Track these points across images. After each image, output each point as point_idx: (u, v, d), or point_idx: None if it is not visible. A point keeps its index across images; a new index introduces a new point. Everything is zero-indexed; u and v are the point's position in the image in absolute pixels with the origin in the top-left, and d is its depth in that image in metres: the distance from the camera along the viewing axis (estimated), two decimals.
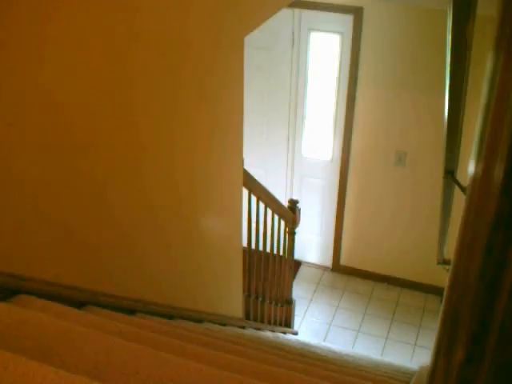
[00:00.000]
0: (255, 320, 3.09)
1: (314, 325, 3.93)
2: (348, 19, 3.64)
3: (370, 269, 4.32)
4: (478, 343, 0.52)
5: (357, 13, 3.58)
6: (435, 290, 4.06)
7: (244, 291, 2.89)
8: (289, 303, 3.51)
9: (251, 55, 3.67)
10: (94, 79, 1.30)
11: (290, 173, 4.41)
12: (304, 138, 4.23)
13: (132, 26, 1.38)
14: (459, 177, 2.05)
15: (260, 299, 3.17)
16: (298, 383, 1.25)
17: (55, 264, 1.31)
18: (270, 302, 3.32)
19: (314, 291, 4.23)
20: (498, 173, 0.45)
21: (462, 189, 1.88)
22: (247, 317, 2.96)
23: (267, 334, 3.04)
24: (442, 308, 0.63)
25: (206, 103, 1.89)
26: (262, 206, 2.85)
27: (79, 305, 1.36)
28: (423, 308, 4.10)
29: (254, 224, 2.82)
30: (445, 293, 0.62)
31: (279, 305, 3.44)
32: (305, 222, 3.93)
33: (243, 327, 2.69)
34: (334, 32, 3.81)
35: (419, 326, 3.95)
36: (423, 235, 3.95)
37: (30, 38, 1.08)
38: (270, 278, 3.24)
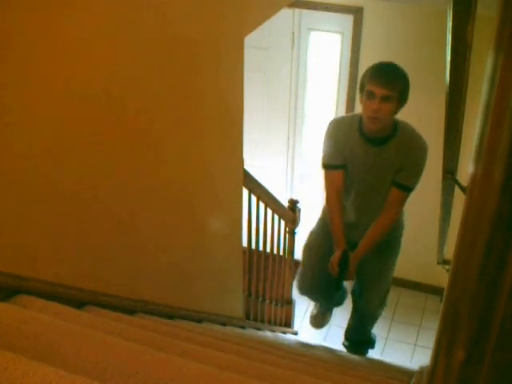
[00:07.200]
0: (255, 320, 3.09)
1: None
2: (348, 19, 3.64)
3: None
4: (478, 343, 0.52)
5: (357, 13, 3.58)
6: (435, 290, 4.05)
7: (244, 291, 2.88)
8: (289, 303, 3.51)
9: (251, 55, 3.67)
10: (88, 79, 1.30)
11: (289, 173, 4.41)
12: (304, 138, 4.23)
13: (131, 25, 1.38)
14: (459, 177, 2.05)
15: (260, 299, 3.17)
16: (298, 383, 1.25)
17: (55, 264, 1.31)
18: (270, 302, 3.32)
19: None
20: (498, 173, 0.45)
21: (462, 189, 1.88)
22: (247, 317, 2.96)
23: (267, 334, 3.04)
24: (441, 308, 0.63)
25: (205, 103, 1.89)
26: (262, 205, 2.85)
27: (79, 305, 1.36)
28: (423, 308, 4.10)
29: (254, 224, 2.82)
30: (445, 293, 0.62)
31: (279, 305, 3.44)
32: (305, 222, 3.93)
33: (243, 327, 2.69)
34: (334, 32, 3.81)
35: (419, 325, 3.94)
36: (423, 235, 3.94)
37: (32, 36, 1.08)
38: (270, 278, 3.24)
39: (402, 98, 2.18)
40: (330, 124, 2.44)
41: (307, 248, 2.82)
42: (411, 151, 2.28)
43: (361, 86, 2.23)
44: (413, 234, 4.03)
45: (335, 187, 2.48)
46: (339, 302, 3.21)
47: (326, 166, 2.48)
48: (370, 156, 2.32)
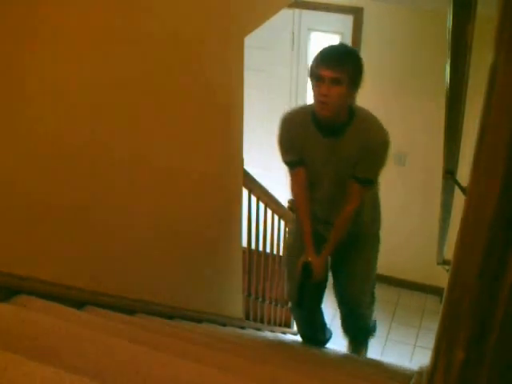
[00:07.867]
0: (255, 320, 3.09)
1: None
2: (348, 19, 3.64)
3: None
4: (478, 343, 0.52)
5: (357, 13, 3.59)
6: (435, 290, 4.05)
7: (244, 291, 2.88)
8: (289, 303, 3.51)
9: (251, 55, 3.67)
10: (89, 79, 1.29)
11: None
12: None
13: (131, 25, 1.38)
14: (459, 177, 2.05)
15: (260, 299, 3.17)
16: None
17: (55, 264, 1.31)
18: (270, 302, 3.32)
19: None
20: (498, 173, 0.45)
21: (462, 189, 1.88)
22: (247, 317, 2.96)
23: (267, 335, 3.04)
24: (441, 308, 0.63)
25: (206, 103, 1.89)
26: (262, 205, 2.85)
27: (79, 305, 1.36)
28: (423, 308, 4.10)
29: (254, 224, 2.82)
30: (445, 293, 0.62)
31: (279, 305, 3.44)
32: None
33: (243, 327, 2.69)
34: (334, 32, 3.81)
35: (419, 326, 3.94)
36: (423, 235, 3.94)
37: (32, 35, 1.08)
38: (269, 278, 3.24)
39: (353, 82, 2.03)
40: (281, 120, 2.29)
41: (284, 262, 2.73)
42: (369, 141, 2.13)
43: (310, 71, 2.06)
44: (413, 234, 4.03)
45: (299, 184, 2.39)
46: (326, 340, 3.10)
47: (286, 164, 2.35)
48: (326, 147, 2.18)
